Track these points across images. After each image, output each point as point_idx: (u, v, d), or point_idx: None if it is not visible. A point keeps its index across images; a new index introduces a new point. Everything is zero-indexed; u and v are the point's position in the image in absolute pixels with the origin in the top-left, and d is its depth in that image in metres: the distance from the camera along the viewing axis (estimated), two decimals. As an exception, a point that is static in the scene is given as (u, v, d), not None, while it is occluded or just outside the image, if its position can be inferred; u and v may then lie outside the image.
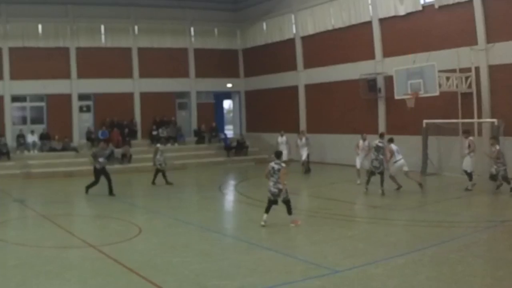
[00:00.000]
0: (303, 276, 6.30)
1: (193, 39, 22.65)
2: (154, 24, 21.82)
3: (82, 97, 21.50)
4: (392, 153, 12.41)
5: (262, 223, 8.87)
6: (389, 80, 16.18)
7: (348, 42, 18.39)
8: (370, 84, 17.39)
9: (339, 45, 18.81)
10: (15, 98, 20.93)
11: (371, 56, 17.42)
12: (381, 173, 12.16)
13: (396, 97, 14.99)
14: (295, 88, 21.20)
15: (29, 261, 7.30)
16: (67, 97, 21.14)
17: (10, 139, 20.21)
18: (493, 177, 11.83)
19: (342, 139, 18.56)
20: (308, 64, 20.58)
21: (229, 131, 25.71)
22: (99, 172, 12.95)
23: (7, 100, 20.55)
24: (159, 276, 6.35)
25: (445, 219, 9.48)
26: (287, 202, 8.95)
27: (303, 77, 20.85)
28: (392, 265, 6.62)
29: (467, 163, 11.88)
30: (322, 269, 6.53)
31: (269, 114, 22.41)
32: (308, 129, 20.45)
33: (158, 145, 15.63)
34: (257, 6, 22.22)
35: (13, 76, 20.39)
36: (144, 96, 21.80)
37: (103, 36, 21.45)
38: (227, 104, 27.82)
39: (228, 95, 25.59)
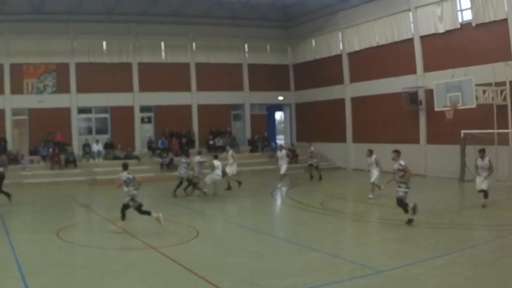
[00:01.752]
0: (349, 275, 7.96)
1: (247, 55, 30.37)
2: (211, 41, 29.42)
3: (143, 109, 28.71)
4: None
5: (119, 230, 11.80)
6: (429, 93, 21.28)
7: (391, 57, 24.31)
8: (412, 97, 22.79)
9: (383, 60, 24.90)
10: (81, 110, 28.20)
11: (413, 71, 22.96)
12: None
13: (436, 109, 19.89)
14: (342, 101, 28.06)
15: (95, 261, 9.32)
16: (130, 109, 28.42)
17: (76, 148, 27.34)
18: None
19: (385, 148, 23.98)
20: (354, 78, 27.39)
21: (281, 141, 32.89)
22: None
23: (74, 111, 27.82)
24: (215, 275, 8.02)
25: (481, 223, 12.06)
26: (138, 208, 11.99)
27: (349, 90, 27.65)
28: (432, 265, 8.27)
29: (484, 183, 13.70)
30: (367, 269, 8.19)
31: (318, 124, 29.40)
32: (354, 138, 27.35)
33: (198, 157, 18.74)
34: (307, 24, 29.58)
35: (79, 90, 27.66)
36: (201, 108, 29.10)
37: (163, 52, 28.94)
38: (278, 115, 35.49)
39: (279, 107, 33.01)
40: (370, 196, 16.13)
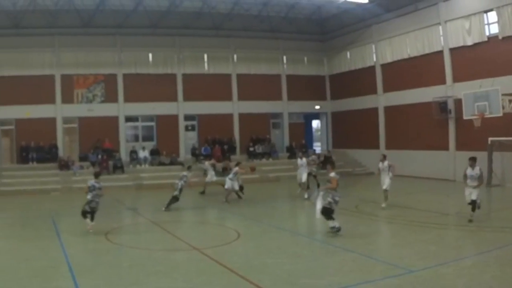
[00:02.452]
0: (382, 275, 9.11)
1: (285, 66, 34.64)
2: (251, 53, 33.69)
3: (187, 117, 32.80)
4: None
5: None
6: (458, 102, 24.22)
7: (422, 69, 27.33)
8: (442, 106, 25.87)
9: (414, 71, 27.94)
10: (128, 118, 32.33)
11: (443, 81, 26.11)
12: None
13: (465, 117, 22.94)
14: (375, 110, 32.06)
15: (141, 262, 10.64)
16: (174, 118, 32.56)
17: (124, 155, 31.36)
18: None
19: (417, 155, 28.41)
20: (386, 88, 31.36)
21: (317, 148, 37.27)
22: None
23: (121, 120, 31.96)
24: (255, 275, 9.24)
25: (508, 225, 13.03)
26: (91, 212, 14.32)
27: (382, 100, 31.64)
28: (461, 265, 9.42)
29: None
30: (399, 269, 9.37)
31: (353, 132, 33.47)
32: (386, 145, 31.15)
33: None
34: (342, 37, 33.89)
35: (126, 99, 31.83)
36: (242, 116, 33.25)
37: (206, 64, 33.24)
38: (315, 123, 40.00)
39: (316, 115, 37.40)
40: (383, 205, 17.00)
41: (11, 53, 30.66)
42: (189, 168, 20.68)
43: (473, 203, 13.40)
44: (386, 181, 17.02)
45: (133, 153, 31.71)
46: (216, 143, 32.52)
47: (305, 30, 34.77)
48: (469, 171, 13.76)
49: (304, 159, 22.51)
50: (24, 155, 30.83)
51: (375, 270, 9.84)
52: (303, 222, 17.82)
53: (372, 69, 31.77)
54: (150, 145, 32.42)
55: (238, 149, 33.13)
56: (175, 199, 18.66)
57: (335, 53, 35.03)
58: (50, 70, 31.32)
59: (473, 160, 13.76)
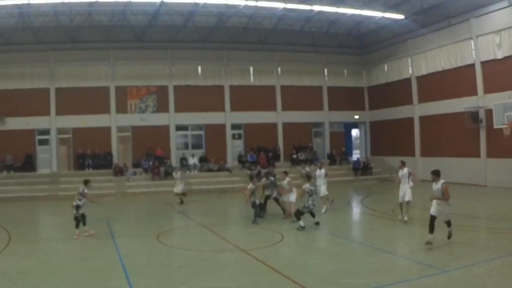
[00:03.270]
0: (418, 275, 10.61)
1: (326, 78, 40.09)
2: (294, 66, 39.04)
3: (234, 126, 38.11)
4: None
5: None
6: (489, 112, 27.61)
7: (455, 81, 31.33)
8: (473, 116, 29.32)
9: (447, 83, 32.04)
10: (179, 127, 37.60)
11: (474, 92, 29.71)
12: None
13: (495, 126, 26.19)
14: (411, 119, 37.05)
15: (191, 262, 12.33)
16: (222, 127, 37.93)
17: (174, 161, 36.49)
18: None
19: (450, 161, 32.32)
20: (421, 99, 36.28)
21: (356, 155, 42.73)
22: None
23: (172, 129, 37.26)
24: (298, 275, 10.74)
25: None
26: (82, 217, 16.63)
27: (418, 110, 36.59)
28: (492, 265, 10.70)
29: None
30: (434, 269, 10.80)
31: (390, 140, 38.67)
32: (421, 152, 35.87)
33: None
34: (380, 51, 39.23)
35: (177, 109, 37.15)
36: (285, 125, 38.49)
37: (251, 76, 38.71)
38: (354, 132, 45.65)
39: (355, 125, 42.99)
40: (405, 218, 17.26)
41: (69, 66, 36.46)
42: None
43: (448, 223, 13.41)
44: (406, 192, 17.20)
45: (183, 160, 37.06)
46: (261, 151, 37.77)
47: (345, 44, 40.29)
48: (433, 186, 13.39)
49: (323, 170, 22.32)
50: (80, 162, 36.30)
51: (411, 270, 11.52)
52: (343, 225, 19.71)
53: (408, 81, 36.75)
54: (199, 152, 37.84)
55: (282, 157, 38.24)
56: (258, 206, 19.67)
57: (373, 66, 40.43)
58: (105, 82, 37.06)
59: (435, 174, 13.37)
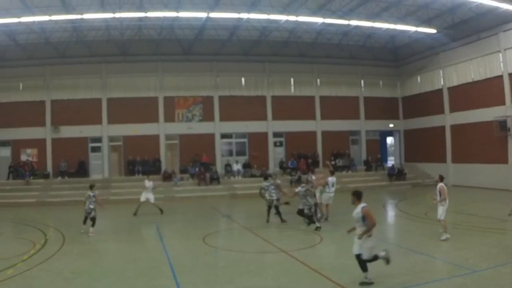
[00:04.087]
0: (449, 275, 12.14)
1: (363, 89, 45.71)
2: (333, 77, 44.72)
3: (275, 134, 43.76)
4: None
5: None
6: None
7: (484, 91, 35.31)
8: (502, 124, 33.01)
9: (477, 93, 36.13)
10: (223, 135, 43.32)
11: (502, 102, 33.50)
12: None
13: None
14: (442, 128, 42.04)
15: (235, 263, 14.06)
16: (264, 135, 43.64)
17: (219, 168, 42.12)
18: None
19: (479, 168, 35.89)
20: (452, 109, 41.11)
21: (391, 161, 48.25)
22: None
23: (217, 137, 42.93)
24: (336, 275, 12.31)
25: None
26: (92, 219, 20.16)
27: (449, 119, 41.60)
28: None
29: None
30: (464, 269, 12.32)
31: (422, 147, 43.99)
32: (452, 159, 40.94)
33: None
34: (413, 64, 44.08)
35: (222, 118, 42.75)
36: (324, 133, 44.09)
37: (292, 87, 44.40)
38: (389, 140, 51.06)
39: (390, 133, 48.21)
40: (446, 237, 16.82)
41: (119, 77, 42.54)
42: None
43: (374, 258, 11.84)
44: (439, 209, 16.90)
45: (227, 166, 42.72)
46: (301, 157, 43.29)
47: (381, 57, 45.93)
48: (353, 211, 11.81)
49: (334, 177, 23.39)
50: (130, 168, 42.13)
51: (443, 270, 12.88)
52: (378, 227, 17.10)
53: (439, 91, 41.61)
54: (243, 159, 43.60)
55: (321, 163, 43.76)
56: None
57: (407, 77, 45.80)
58: (154, 93, 43.08)
59: (355, 196, 11.93)
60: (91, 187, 21.46)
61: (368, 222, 11.62)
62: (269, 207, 22.91)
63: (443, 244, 16.23)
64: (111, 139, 43.16)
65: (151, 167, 41.98)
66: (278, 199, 23.02)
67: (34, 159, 42.62)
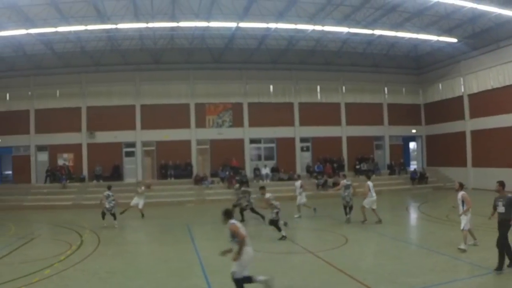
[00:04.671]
0: (469, 274, 13.19)
1: (386, 96, 49.92)
2: (357, 85, 48.92)
3: (302, 139, 47.98)
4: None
5: None
6: None
7: (503, 98, 38.26)
8: None
9: (496, 100, 39.10)
10: (252, 141, 47.49)
11: None
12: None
13: None
14: (463, 133, 45.94)
15: (263, 263, 14.72)
16: (292, 140, 47.88)
17: (248, 171, 46.16)
18: None
19: (499, 172, 38.08)
20: (473, 115, 44.68)
21: (413, 166, 52.39)
22: None
23: (246, 142, 47.16)
24: (361, 274, 13.27)
25: None
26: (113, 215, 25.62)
27: (469, 125, 45.37)
28: None
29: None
30: (483, 269, 13.31)
31: (444, 152, 47.98)
32: (473, 163, 44.88)
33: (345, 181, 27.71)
34: (435, 72, 47.66)
35: (251, 124, 46.92)
36: (349, 139, 48.28)
37: (318, 94, 48.66)
38: (412, 145, 55.23)
39: (412, 138, 52.66)
40: (462, 246, 16.79)
41: (153, 85, 47.03)
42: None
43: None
44: (463, 219, 16.96)
45: (256, 170, 47.03)
46: (327, 162, 47.66)
47: (403, 65, 50.06)
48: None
49: (298, 182, 30.73)
50: (163, 172, 46.37)
51: (463, 270, 13.83)
52: (402, 229, 23.55)
53: (460, 98, 45.33)
54: (271, 163, 47.92)
55: (346, 167, 48.04)
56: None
57: (429, 85, 49.91)
58: (185, 99, 47.53)
59: (225, 216, 12.00)
60: (109, 188, 25.87)
61: (238, 239, 11.46)
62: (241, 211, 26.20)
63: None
64: (144, 144, 47.72)
65: (183, 171, 46.74)
66: (247, 205, 26.46)
67: (71, 164, 47.26)
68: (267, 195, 22.97)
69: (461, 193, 17.45)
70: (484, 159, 43.04)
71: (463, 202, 17.33)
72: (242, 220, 25.20)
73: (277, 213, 21.57)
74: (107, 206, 26.07)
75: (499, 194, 14.68)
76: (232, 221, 12.02)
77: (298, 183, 30.54)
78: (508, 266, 13.72)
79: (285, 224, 22.14)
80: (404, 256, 16.82)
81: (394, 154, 50.81)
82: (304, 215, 29.08)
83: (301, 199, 29.76)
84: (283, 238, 21.05)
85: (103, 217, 26.08)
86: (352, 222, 24.82)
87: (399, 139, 52.11)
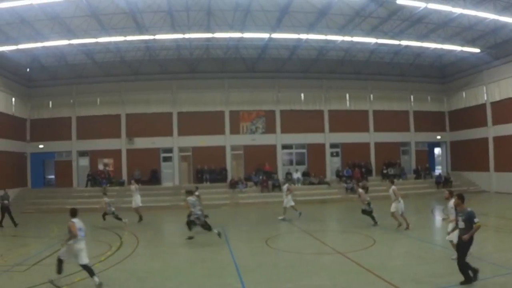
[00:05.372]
0: (492, 274, 14.09)
1: (412, 104, 55.13)
2: (385, 93, 54.41)
3: (332, 145, 53.46)
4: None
5: None
6: None
7: None
8: None
9: None
10: (284, 146, 53.09)
11: None
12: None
13: None
14: (486, 139, 50.88)
15: (294, 263, 16.48)
16: (322, 146, 53.47)
17: (281, 176, 51.45)
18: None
19: None
20: (495, 122, 49.75)
21: (438, 170, 57.83)
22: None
23: (278, 148, 52.74)
24: (388, 274, 14.32)
25: None
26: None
27: (492, 131, 50.28)
28: None
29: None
30: (505, 269, 14.44)
31: (467, 157, 53.10)
32: (495, 168, 50.08)
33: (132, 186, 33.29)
34: (459, 80, 52.40)
35: (283, 130, 52.39)
36: (377, 145, 53.64)
37: (347, 102, 54.16)
38: (437, 150, 60.63)
39: (437, 144, 57.66)
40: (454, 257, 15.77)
41: (189, 93, 52.59)
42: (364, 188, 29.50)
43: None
44: (453, 233, 16.01)
45: (288, 174, 52.20)
46: (356, 166, 53.04)
47: (429, 74, 55.14)
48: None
49: (285, 186, 34.19)
50: (199, 176, 51.57)
51: (486, 270, 14.74)
52: (426, 231, 25.02)
53: (483, 106, 49.81)
54: (302, 168, 53.47)
55: (374, 172, 53.68)
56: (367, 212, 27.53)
57: (453, 93, 54.88)
58: (220, 107, 53.00)
59: (70, 213, 16.07)
60: (106, 194, 29.46)
61: (70, 234, 15.29)
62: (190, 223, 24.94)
63: (487, 246, 19.10)
64: (181, 149, 53.17)
65: (218, 176, 52.13)
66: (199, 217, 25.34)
67: (111, 168, 52.89)
68: (191, 198, 24.75)
69: (452, 201, 17.35)
70: (506, 164, 47.22)
71: (456, 210, 16.27)
72: (188, 229, 25.19)
73: (197, 217, 23.55)
74: (112, 210, 29.99)
75: (459, 208, 14.84)
76: (74, 220, 15.24)
77: (285, 186, 33.92)
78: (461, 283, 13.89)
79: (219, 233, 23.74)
80: (429, 256, 18.46)
81: (420, 159, 55.74)
82: (290, 217, 32.07)
83: (288, 202, 32.37)
84: (190, 238, 23.56)
85: (104, 218, 30.23)
86: (378, 225, 26.69)
87: (425, 145, 57.14)
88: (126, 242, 23.94)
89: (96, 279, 14.86)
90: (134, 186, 34.39)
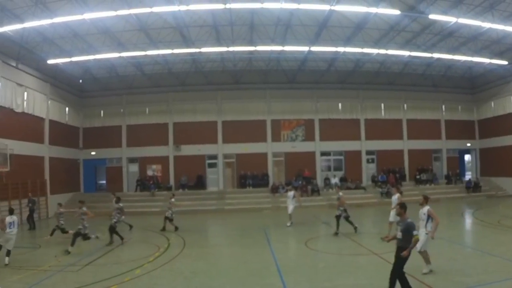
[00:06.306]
0: None
1: (444, 113, 63.19)
2: (418, 103, 62.40)
3: (368, 152, 61.78)
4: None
5: None
6: None
7: None
8: None
9: None
10: (323, 153, 61.59)
11: None
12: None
13: None
14: None
15: (332, 264, 19.45)
16: (358, 153, 61.87)
17: (319, 181, 60.01)
18: None
19: None
20: None
21: (468, 176, 65.35)
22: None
23: (317, 154, 61.10)
24: (420, 274, 17.03)
25: None
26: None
27: None
28: None
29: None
30: None
31: (496, 163, 60.95)
32: None
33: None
34: (488, 91, 59.77)
35: (321, 138, 60.75)
36: (410, 151, 61.83)
37: (382, 111, 62.43)
38: (467, 157, 67.87)
39: (467, 151, 64.54)
40: (424, 271, 18.16)
41: (233, 103, 60.21)
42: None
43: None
44: (421, 239, 17.12)
45: (326, 180, 59.93)
46: (390, 172, 60.71)
47: (459, 85, 62.21)
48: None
49: (291, 192, 35.81)
50: (242, 181, 59.06)
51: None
52: (457, 233, 27.23)
53: (510, 115, 56.07)
54: (340, 173, 61.01)
55: (407, 177, 61.47)
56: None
57: (482, 103, 61.49)
58: (262, 116, 60.62)
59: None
60: (82, 203, 26.93)
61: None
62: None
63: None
64: (226, 156, 60.58)
65: (260, 181, 59.60)
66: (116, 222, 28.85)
67: (159, 174, 60.50)
68: (118, 204, 28.42)
69: (427, 208, 18.10)
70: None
71: (428, 217, 17.96)
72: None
73: (115, 222, 26.54)
74: (120, 217, 30.07)
75: (401, 218, 15.44)
76: (13, 216, 18.44)
77: (291, 193, 36.73)
78: None
79: (97, 237, 26.23)
80: (460, 257, 20.24)
81: (451, 165, 62.65)
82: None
83: (292, 209, 35.29)
84: (97, 237, 25.82)
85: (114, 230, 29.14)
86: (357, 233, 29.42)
87: (455, 152, 64.08)
88: (174, 244, 26.60)
89: None
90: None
